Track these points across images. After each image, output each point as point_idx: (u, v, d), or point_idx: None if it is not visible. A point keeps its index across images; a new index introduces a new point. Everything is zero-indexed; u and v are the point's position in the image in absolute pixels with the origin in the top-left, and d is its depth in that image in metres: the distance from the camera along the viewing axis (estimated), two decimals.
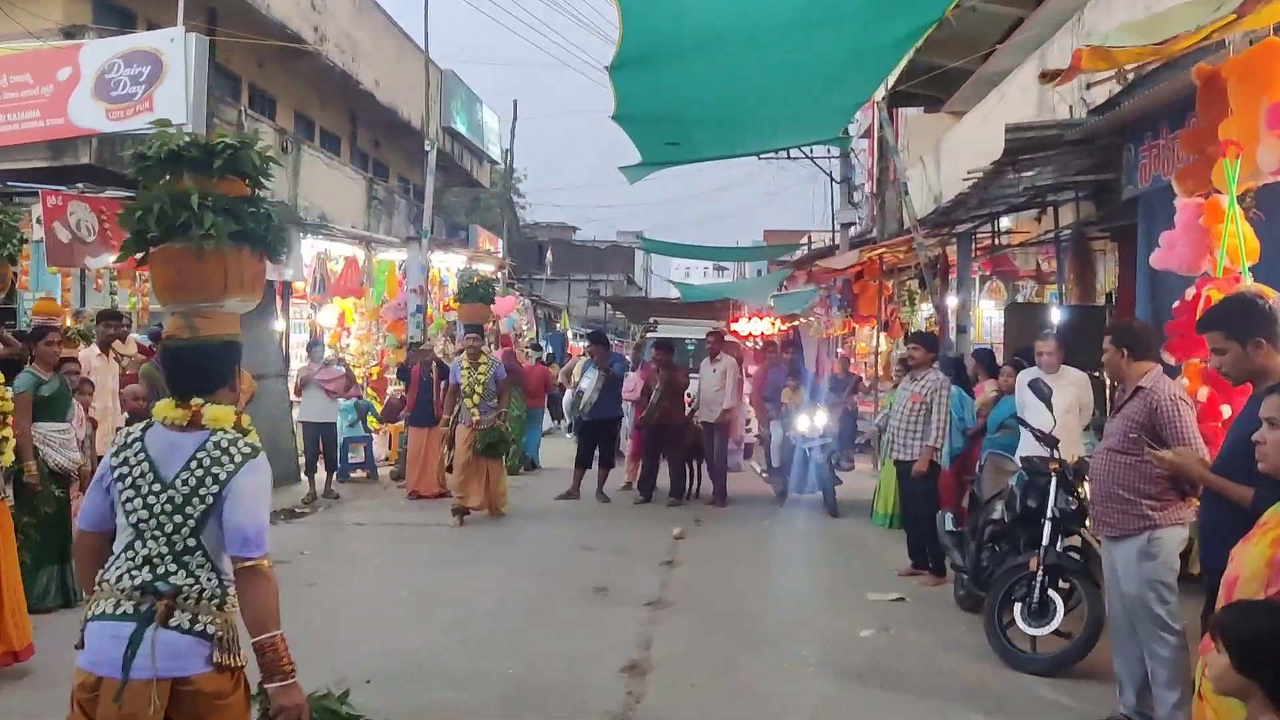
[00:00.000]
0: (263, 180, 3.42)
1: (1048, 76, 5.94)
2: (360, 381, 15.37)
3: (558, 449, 16.75)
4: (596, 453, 12.64)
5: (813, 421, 12.18)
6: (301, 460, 13.08)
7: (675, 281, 34.89)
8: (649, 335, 19.00)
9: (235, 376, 3.23)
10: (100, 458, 8.57)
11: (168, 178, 3.31)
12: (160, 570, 2.97)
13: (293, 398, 13.35)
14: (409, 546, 10.02)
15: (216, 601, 3.00)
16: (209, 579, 3.00)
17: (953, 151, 13.83)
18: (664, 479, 12.84)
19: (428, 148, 13.93)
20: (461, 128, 28.87)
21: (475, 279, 11.29)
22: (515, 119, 27.25)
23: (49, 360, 7.36)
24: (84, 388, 8.16)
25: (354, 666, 6.04)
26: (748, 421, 16.25)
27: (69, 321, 9.45)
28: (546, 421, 18.40)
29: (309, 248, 14.37)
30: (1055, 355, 7.75)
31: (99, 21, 14.78)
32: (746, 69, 9.84)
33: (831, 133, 16.04)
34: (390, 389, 14.76)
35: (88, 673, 2.92)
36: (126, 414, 8.80)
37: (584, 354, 16.31)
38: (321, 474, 12.72)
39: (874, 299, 15.99)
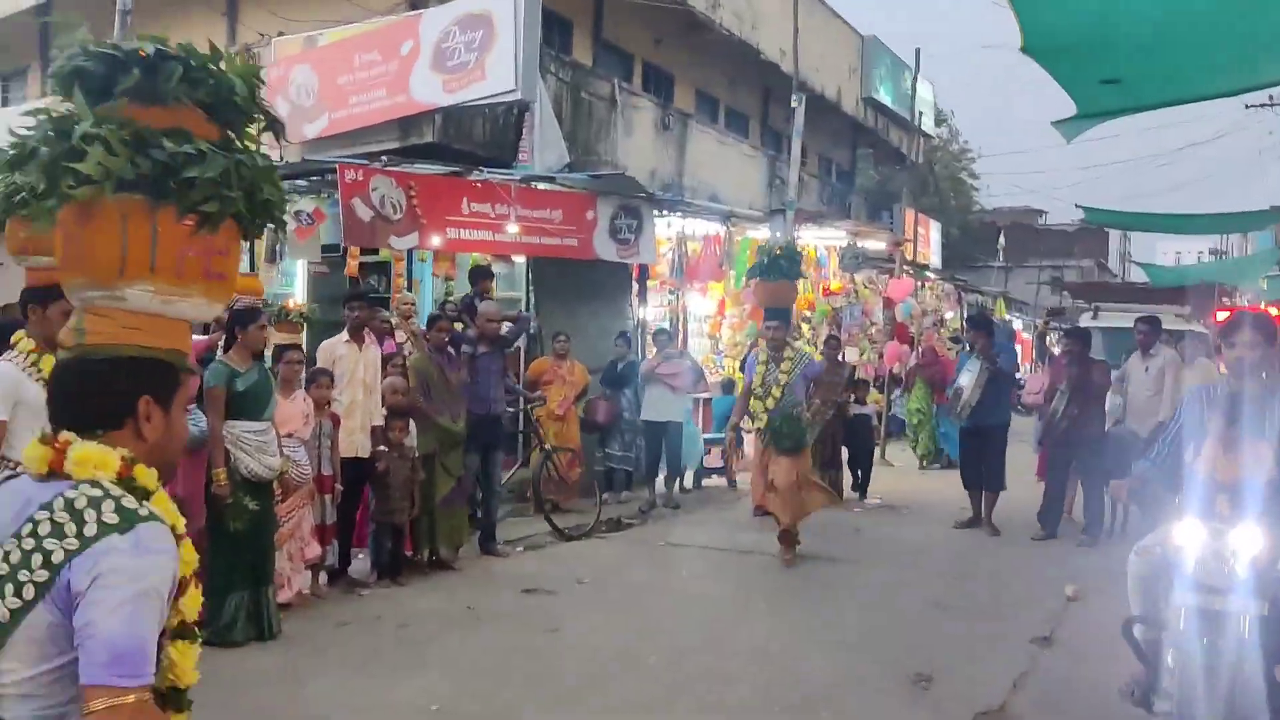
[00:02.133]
0: (245, 112, 2.15)
1: None
2: (734, 375, 13.74)
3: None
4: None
5: (1221, 548, 4.13)
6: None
7: (1141, 264, 29.95)
8: (1051, 322, 15.59)
9: (147, 411, 1.99)
10: (342, 459, 7.58)
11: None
12: None
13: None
14: (709, 582, 8.08)
15: None
16: None
17: None
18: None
19: (795, 103, 11.84)
20: (886, 99, 26.40)
21: (777, 249, 8.80)
22: (917, 70, 23.62)
23: (253, 348, 6.30)
24: (320, 379, 7.10)
25: None
26: None
27: (294, 304, 8.50)
28: None
29: (667, 226, 12.89)
30: None
31: None
32: None
33: None
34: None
35: None
36: (385, 410, 7.70)
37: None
38: (662, 481, 11.26)
39: None
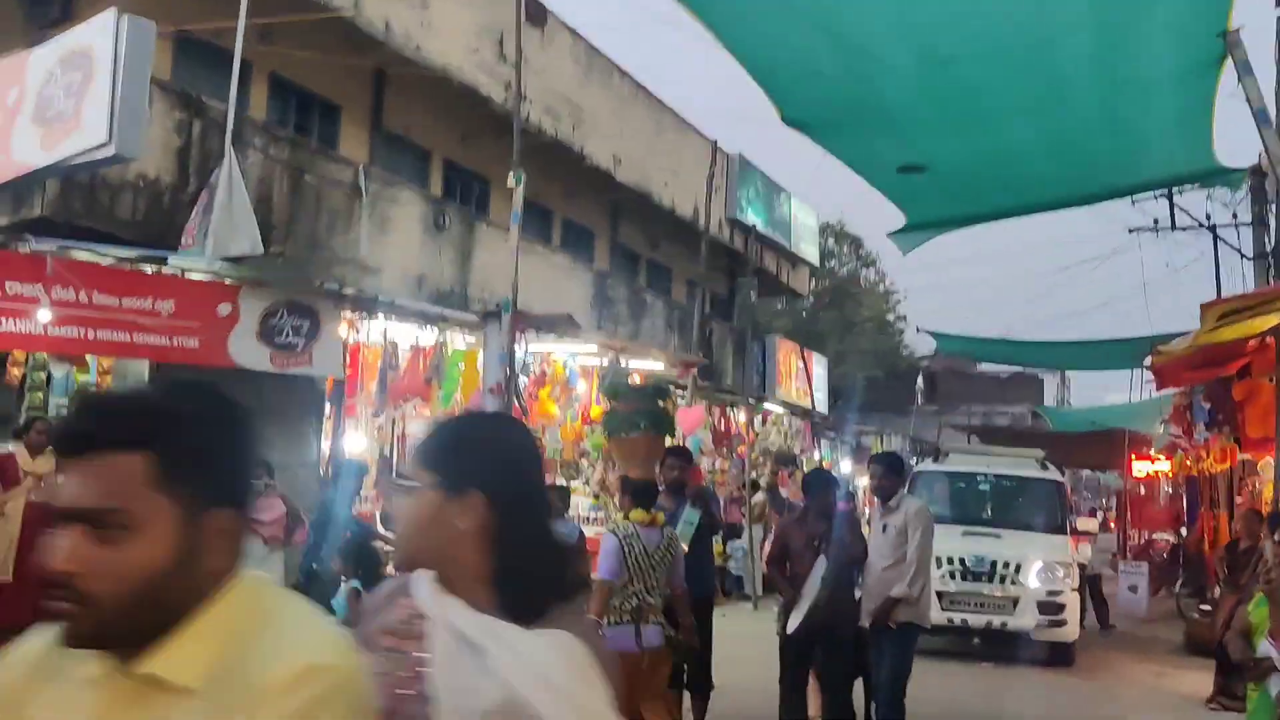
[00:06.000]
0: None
1: None
2: None
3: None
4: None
5: None
6: None
7: (1042, 409, 27.86)
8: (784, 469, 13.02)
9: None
10: None
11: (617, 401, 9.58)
12: None
13: None
14: None
15: None
16: None
17: None
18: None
19: (511, 183, 9.37)
20: (757, 221, 24.16)
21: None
22: (715, 167, 19.64)
23: None
24: None
25: None
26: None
27: None
28: None
29: (367, 330, 10.24)
30: None
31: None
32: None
33: (1203, 160, 9.85)
34: None
35: None
36: None
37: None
38: None
39: (1271, 410, 9.14)
